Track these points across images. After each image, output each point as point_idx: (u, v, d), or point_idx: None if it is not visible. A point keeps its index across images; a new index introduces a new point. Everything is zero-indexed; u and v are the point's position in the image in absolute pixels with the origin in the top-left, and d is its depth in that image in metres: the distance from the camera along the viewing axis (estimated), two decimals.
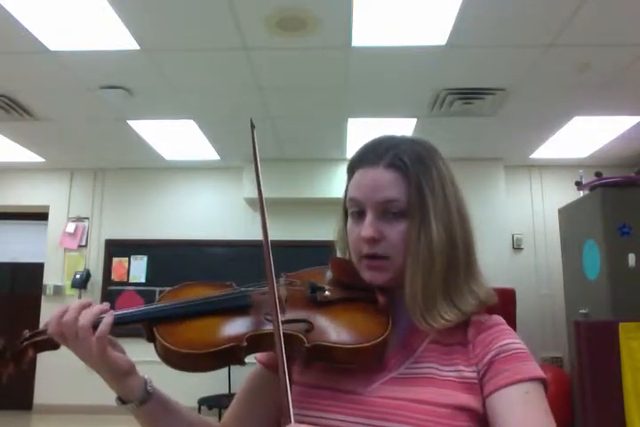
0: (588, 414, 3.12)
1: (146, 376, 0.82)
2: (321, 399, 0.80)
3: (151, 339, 0.79)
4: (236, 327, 0.79)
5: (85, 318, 0.76)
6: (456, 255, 0.81)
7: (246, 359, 0.78)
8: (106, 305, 0.79)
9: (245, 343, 0.76)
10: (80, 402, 5.48)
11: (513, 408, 0.72)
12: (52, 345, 0.79)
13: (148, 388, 0.81)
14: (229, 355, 0.76)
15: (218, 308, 0.82)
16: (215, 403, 4.72)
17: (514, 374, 0.74)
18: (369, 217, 0.81)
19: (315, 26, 2.98)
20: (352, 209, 0.85)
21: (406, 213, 0.80)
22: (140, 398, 0.79)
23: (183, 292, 0.87)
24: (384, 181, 0.81)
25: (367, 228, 0.81)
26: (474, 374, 0.77)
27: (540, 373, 0.75)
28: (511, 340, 0.79)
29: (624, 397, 3.05)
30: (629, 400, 3.04)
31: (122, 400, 0.80)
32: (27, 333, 0.80)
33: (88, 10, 2.82)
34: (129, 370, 0.80)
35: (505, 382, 0.74)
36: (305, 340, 0.75)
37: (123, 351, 0.82)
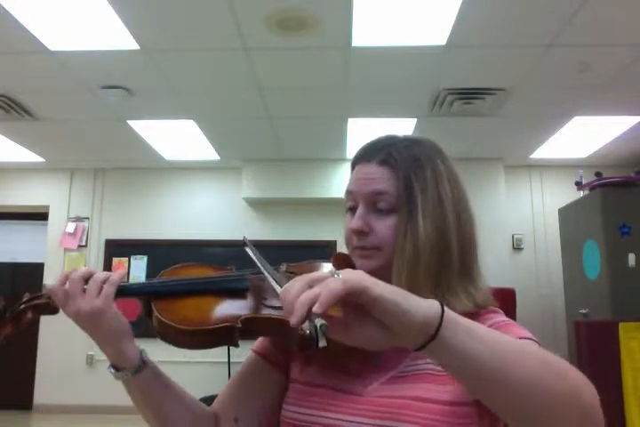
0: None
1: (141, 347, 0.83)
2: (321, 398, 0.80)
3: (148, 313, 0.81)
4: (232, 308, 0.80)
5: (99, 274, 0.79)
6: (448, 254, 0.80)
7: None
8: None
9: (240, 325, 0.76)
10: (80, 402, 5.48)
11: None
12: (51, 309, 0.81)
13: (144, 357, 0.81)
14: (223, 335, 0.77)
15: (216, 288, 0.83)
16: None
17: (511, 335, 0.72)
18: (359, 210, 0.83)
19: (315, 26, 2.98)
20: (348, 204, 0.87)
21: (396, 209, 0.81)
22: (136, 365, 0.80)
23: (183, 271, 0.89)
24: (375, 175, 0.83)
25: (356, 220, 0.82)
26: None
27: (534, 337, 0.73)
28: (503, 318, 0.79)
29: (624, 397, 3.05)
30: (629, 400, 3.04)
31: (116, 368, 0.80)
32: (27, 295, 0.82)
33: (88, 10, 2.82)
34: (127, 331, 0.81)
35: None
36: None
37: None
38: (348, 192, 0.87)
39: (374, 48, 3.24)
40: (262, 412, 0.88)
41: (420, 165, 0.82)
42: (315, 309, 0.49)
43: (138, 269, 5.80)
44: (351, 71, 3.55)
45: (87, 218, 5.96)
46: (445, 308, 0.55)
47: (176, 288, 0.83)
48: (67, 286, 0.78)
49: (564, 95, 3.95)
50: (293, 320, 0.50)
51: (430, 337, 0.53)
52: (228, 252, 5.71)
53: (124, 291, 0.81)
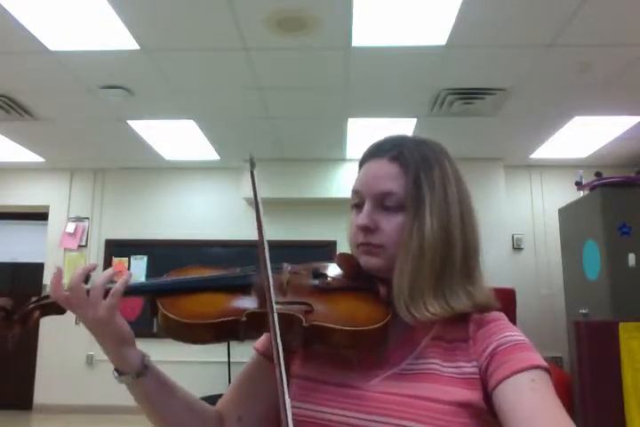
0: (588, 415, 3.12)
1: (144, 351, 0.84)
2: (321, 393, 0.81)
3: (153, 311, 0.81)
4: (237, 303, 0.81)
5: (100, 280, 0.78)
6: (452, 254, 0.81)
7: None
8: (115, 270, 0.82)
9: (245, 318, 0.76)
10: (80, 402, 5.48)
11: (521, 397, 0.70)
12: (58, 309, 0.81)
13: (146, 361, 0.82)
14: (228, 329, 0.77)
15: (221, 285, 0.84)
16: (215, 403, 4.72)
17: (516, 363, 0.73)
18: (366, 207, 0.84)
19: (315, 26, 2.98)
20: (354, 201, 0.88)
21: (403, 207, 0.82)
22: (138, 369, 0.81)
23: (188, 272, 0.89)
24: (384, 173, 0.84)
25: (363, 217, 0.83)
26: (474, 370, 0.76)
27: (542, 362, 0.74)
28: (510, 332, 0.79)
29: (624, 397, 3.05)
30: (629, 400, 3.04)
31: (119, 372, 0.81)
32: (34, 298, 0.82)
33: (88, 10, 2.82)
34: (130, 338, 0.81)
35: (509, 372, 0.73)
36: (303, 319, 0.76)
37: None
38: (355, 191, 0.87)
39: (374, 48, 3.24)
40: (265, 410, 0.88)
41: (429, 165, 0.83)
42: None
43: (138, 269, 5.79)
44: (351, 71, 3.55)
45: (87, 218, 5.96)
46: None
47: (181, 286, 0.83)
48: (68, 293, 0.77)
49: (564, 95, 3.95)
50: None
51: None
52: (228, 252, 5.72)
53: (131, 291, 0.81)
